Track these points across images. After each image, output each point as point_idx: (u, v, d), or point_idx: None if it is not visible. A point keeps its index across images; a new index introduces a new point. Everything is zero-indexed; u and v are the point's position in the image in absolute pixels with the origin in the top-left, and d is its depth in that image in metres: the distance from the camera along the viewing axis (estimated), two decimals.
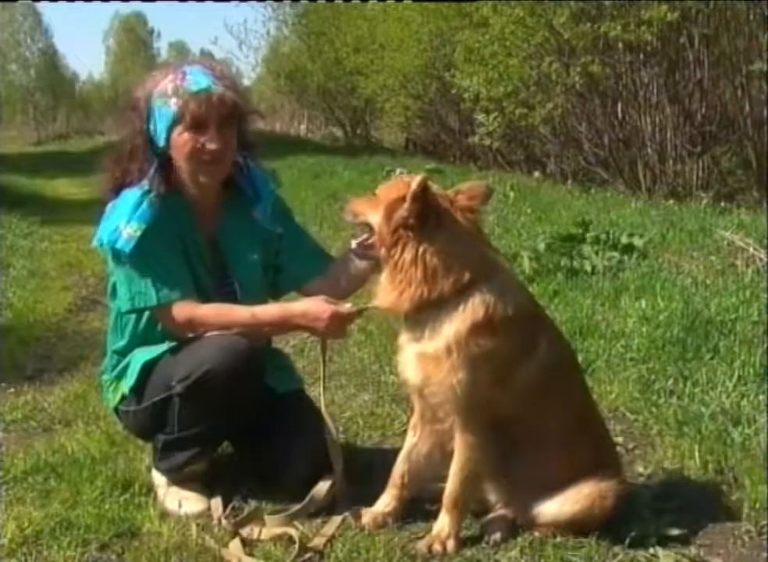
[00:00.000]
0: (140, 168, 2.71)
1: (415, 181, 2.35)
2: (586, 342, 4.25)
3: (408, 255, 2.36)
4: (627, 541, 2.41)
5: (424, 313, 2.39)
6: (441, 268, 2.35)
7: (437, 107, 15.82)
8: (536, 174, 11.87)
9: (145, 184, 2.68)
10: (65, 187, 15.79)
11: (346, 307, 2.68)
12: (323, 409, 2.79)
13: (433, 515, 2.52)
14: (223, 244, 2.86)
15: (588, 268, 5.67)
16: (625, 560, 2.38)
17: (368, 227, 2.55)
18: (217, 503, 2.70)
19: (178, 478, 2.78)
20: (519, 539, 2.45)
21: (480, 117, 11.35)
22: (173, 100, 2.66)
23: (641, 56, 9.61)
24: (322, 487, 2.66)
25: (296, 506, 2.61)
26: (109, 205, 2.73)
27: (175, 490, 2.77)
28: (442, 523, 2.47)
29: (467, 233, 2.42)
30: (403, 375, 2.52)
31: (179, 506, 2.71)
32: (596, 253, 5.83)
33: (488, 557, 2.41)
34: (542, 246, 5.99)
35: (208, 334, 2.66)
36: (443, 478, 2.49)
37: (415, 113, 16.71)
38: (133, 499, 2.76)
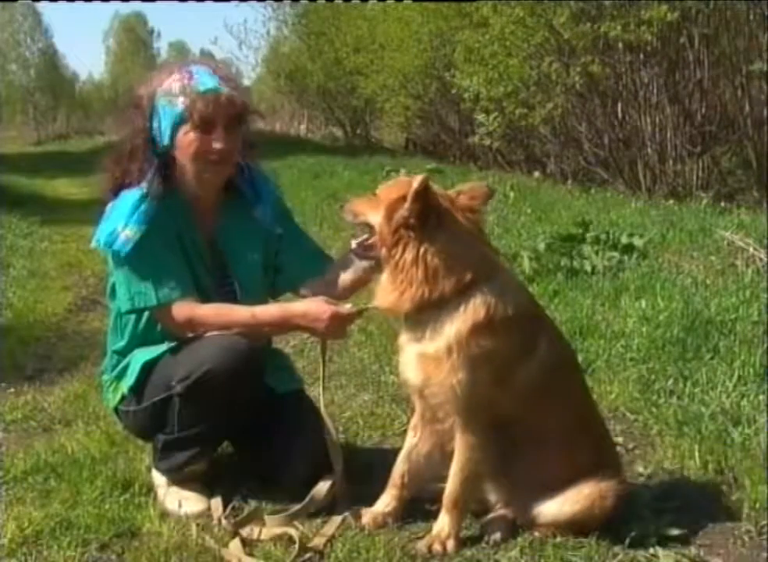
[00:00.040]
0: (140, 168, 2.71)
1: (416, 180, 2.34)
2: (586, 342, 4.25)
3: (409, 255, 2.35)
4: (627, 541, 2.41)
5: (424, 313, 2.38)
6: (442, 268, 2.35)
7: (437, 107, 15.82)
8: (536, 174, 11.87)
9: (144, 186, 2.68)
10: (65, 187, 15.79)
11: (347, 307, 2.68)
12: (323, 409, 2.79)
13: (433, 515, 2.52)
14: (222, 244, 2.86)
15: (588, 268, 5.67)
16: (625, 560, 2.38)
17: (369, 227, 2.54)
18: (217, 503, 2.70)
19: (178, 478, 2.78)
20: (519, 539, 2.45)
21: (480, 117, 11.35)
22: (180, 99, 2.66)
23: (641, 56, 9.61)
24: (322, 487, 2.66)
25: (296, 506, 2.61)
26: (109, 206, 2.73)
27: (175, 490, 2.77)
28: (442, 523, 2.47)
29: (467, 233, 2.41)
30: (403, 375, 2.52)
31: (179, 506, 2.71)
32: (596, 253, 5.83)
33: (488, 557, 2.41)
34: (542, 246, 5.99)
35: (208, 334, 2.66)
36: (443, 478, 2.49)
37: (415, 113, 16.71)
38: (133, 499, 2.76)
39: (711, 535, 2.53)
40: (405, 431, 2.76)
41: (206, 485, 2.81)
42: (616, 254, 5.88)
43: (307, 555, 2.42)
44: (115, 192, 2.74)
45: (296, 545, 2.40)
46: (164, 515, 2.67)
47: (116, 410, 2.90)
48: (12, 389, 4.03)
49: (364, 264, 2.74)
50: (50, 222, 10.04)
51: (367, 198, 2.60)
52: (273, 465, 2.80)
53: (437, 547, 2.43)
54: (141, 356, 2.76)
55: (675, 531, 2.49)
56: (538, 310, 2.61)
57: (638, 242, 6.12)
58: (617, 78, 10.01)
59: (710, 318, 4.37)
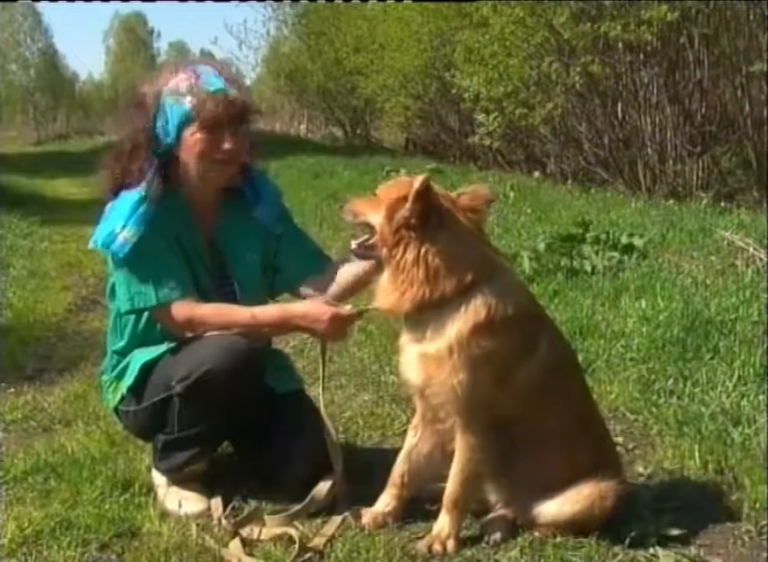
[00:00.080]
0: (140, 168, 2.71)
1: (418, 180, 2.34)
2: (586, 342, 4.25)
3: (410, 256, 2.35)
4: (627, 541, 2.41)
5: (425, 313, 2.38)
6: (443, 268, 2.34)
7: (437, 107, 15.81)
8: (536, 174, 11.87)
9: (143, 187, 2.68)
10: (65, 187, 15.79)
11: (347, 308, 2.67)
12: (323, 409, 2.79)
13: (433, 515, 2.52)
14: (222, 244, 2.86)
15: (588, 268, 5.67)
16: (625, 560, 2.38)
17: (369, 227, 2.53)
18: (217, 503, 2.70)
19: (178, 478, 2.78)
20: (519, 539, 2.45)
21: (480, 117, 11.35)
22: (188, 98, 2.66)
23: (641, 56, 9.61)
24: (322, 487, 2.66)
25: (297, 507, 2.61)
26: (108, 206, 2.73)
27: (175, 490, 2.77)
28: (443, 523, 2.47)
29: (468, 233, 2.41)
30: (404, 375, 2.51)
31: (179, 506, 2.71)
32: (596, 253, 5.83)
33: (488, 557, 2.41)
34: (542, 246, 5.99)
35: (208, 334, 2.66)
36: (443, 478, 2.49)
37: (415, 113, 16.71)
38: (133, 499, 2.77)
39: (711, 535, 2.54)
40: (405, 431, 2.76)
41: (206, 485, 2.81)
42: (616, 254, 5.88)
43: (307, 555, 2.42)
44: (115, 192, 2.74)
45: (296, 546, 2.40)
46: (164, 515, 2.67)
47: (116, 410, 2.90)
48: (12, 389, 4.04)
49: (365, 264, 2.74)
50: (50, 222, 10.05)
51: (367, 198, 2.59)
52: (273, 465, 2.80)
53: (437, 547, 2.43)
54: (141, 356, 2.76)
55: (675, 531, 2.49)
56: (538, 310, 2.61)
57: (638, 242, 6.12)
58: (617, 78, 10.01)
59: (710, 318, 4.37)
